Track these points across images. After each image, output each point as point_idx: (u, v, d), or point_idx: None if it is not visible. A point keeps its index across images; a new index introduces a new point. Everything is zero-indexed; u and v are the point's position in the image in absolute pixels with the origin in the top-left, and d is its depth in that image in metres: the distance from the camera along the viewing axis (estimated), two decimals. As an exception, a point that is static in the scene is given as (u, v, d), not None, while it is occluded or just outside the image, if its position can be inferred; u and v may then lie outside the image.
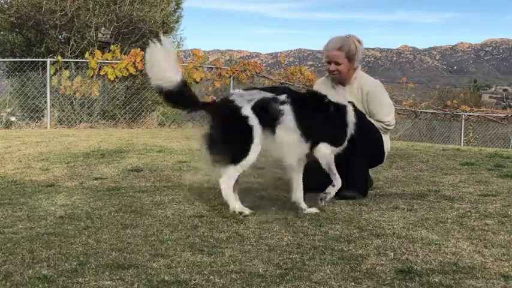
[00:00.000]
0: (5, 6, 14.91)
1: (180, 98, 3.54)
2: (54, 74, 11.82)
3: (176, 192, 4.41)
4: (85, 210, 3.84)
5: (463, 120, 15.77)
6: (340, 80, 4.26)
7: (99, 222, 3.47)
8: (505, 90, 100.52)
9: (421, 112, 15.58)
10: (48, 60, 11.90)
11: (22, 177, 5.11)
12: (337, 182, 3.68)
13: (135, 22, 15.41)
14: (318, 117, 3.70)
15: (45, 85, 11.78)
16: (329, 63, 4.17)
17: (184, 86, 3.51)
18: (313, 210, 3.66)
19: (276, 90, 3.71)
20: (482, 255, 2.78)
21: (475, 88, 54.24)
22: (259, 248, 2.91)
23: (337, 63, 4.13)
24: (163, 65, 3.43)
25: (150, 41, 3.49)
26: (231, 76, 12.54)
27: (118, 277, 2.46)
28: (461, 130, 15.61)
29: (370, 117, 4.20)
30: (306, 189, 3.76)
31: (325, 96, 3.81)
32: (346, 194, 4.01)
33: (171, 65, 3.46)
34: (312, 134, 3.63)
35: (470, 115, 16.01)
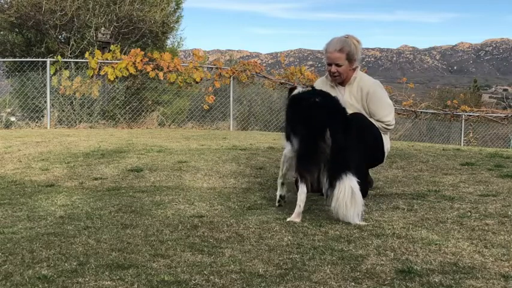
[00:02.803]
0: (5, 6, 14.92)
1: None
2: (54, 74, 11.81)
3: (176, 192, 4.41)
4: (85, 210, 3.84)
5: (463, 120, 15.75)
6: (339, 81, 4.27)
7: (99, 222, 3.47)
8: (505, 90, 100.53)
9: (421, 112, 15.56)
10: (48, 60, 11.89)
11: (22, 177, 5.12)
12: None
13: (135, 22, 15.42)
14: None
15: (45, 85, 11.77)
16: (330, 64, 4.17)
17: None
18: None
19: None
20: (482, 255, 2.78)
21: (475, 88, 54.29)
22: (259, 248, 2.91)
23: (338, 65, 4.14)
24: None
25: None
26: (231, 76, 12.52)
27: (118, 277, 2.46)
28: (461, 130, 15.59)
29: (370, 117, 4.20)
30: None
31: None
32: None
33: None
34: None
35: (470, 115, 15.99)
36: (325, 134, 3.51)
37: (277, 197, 3.94)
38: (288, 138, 3.79)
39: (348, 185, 3.44)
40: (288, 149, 3.79)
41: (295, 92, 3.99)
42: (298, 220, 3.50)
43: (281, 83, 13.08)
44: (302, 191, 3.55)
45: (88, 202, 4.09)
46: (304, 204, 3.54)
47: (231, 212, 3.76)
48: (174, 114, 12.68)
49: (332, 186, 3.48)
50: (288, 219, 3.51)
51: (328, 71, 4.22)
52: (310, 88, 4.10)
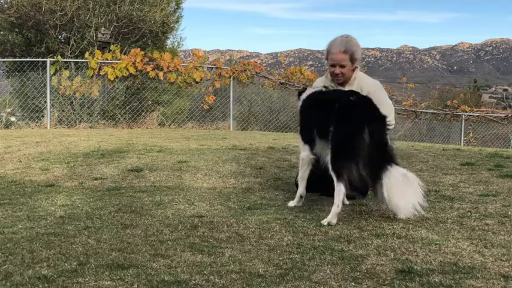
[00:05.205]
0: (5, 6, 14.91)
1: None
2: (54, 74, 11.80)
3: (176, 192, 4.41)
4: (85, 210, 3.84)
5: (463, 120, 15.75)
6: (341, 81, 4.25)
7: (99, 222, 3.47)
8: (505, 90, 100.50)
9: (421, 112, 15.56)
10: (48, 60, 11.89)
11: (22, 177, 5.12)
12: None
13: (135, 22, 15.41)
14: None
15: (45, 85, 11.76)
16: (334, 66, 4.15)
17: None
18: None
19: None
20: (482, 255, 2.78)
21: (475, 88, 54.18)
22: (259, 248, 2.91)
23: (342, 66, 4.12)
24: None
25: None
26: (231, 76, 12.52)
27: (118, 277, 2.47)
28: (461, 130, 15.59)
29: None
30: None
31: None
32: (346, 194, 4.00)
33: None
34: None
35: (470, 115, 15.98)
36: (363, 132, 3.46)
37: (297, 197, 3.95)
38: (307, 141, 3.77)
39: (398, 174, 3.47)
40: (306, 153, 3.79)
41: (308, 93, 4.00)
42: (335, 221, 3.42)
43: (281, 83, 13.07)
44: (340, 190, 3.49)
45: (88, 202, 4.09)
46: (341, 204, 3.49)
47: (231, 212, 3.76)
48: (174, 114, 12.67)
49: (379, 178, 3.46)
50: (324, 221, 3.42)
51: (331, 72, 4.19)
52: (322, 88, 4.08)
